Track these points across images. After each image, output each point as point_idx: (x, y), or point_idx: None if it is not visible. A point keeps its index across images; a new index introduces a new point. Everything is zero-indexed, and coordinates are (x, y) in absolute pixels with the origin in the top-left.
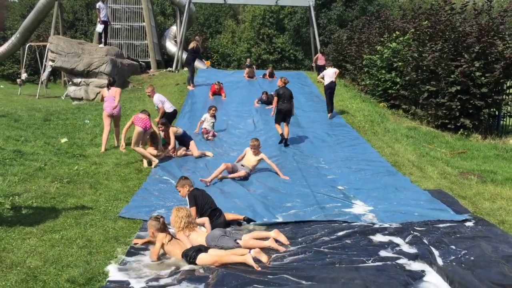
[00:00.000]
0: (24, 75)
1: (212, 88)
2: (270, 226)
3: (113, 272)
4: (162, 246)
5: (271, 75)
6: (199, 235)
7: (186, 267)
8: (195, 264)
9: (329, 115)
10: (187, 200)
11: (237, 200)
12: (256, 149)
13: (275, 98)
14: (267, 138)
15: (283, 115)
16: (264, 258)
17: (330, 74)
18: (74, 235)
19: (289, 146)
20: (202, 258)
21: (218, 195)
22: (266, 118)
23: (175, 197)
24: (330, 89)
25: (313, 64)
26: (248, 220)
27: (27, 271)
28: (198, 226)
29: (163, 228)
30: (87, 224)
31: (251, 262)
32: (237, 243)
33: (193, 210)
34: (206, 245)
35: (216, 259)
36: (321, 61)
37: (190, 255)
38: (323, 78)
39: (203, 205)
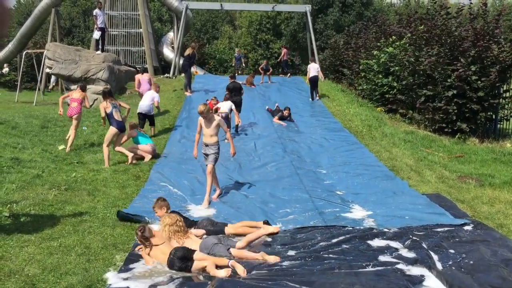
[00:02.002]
0: (5, 69)
1: (209, 105)
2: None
3: (112, 279)
4: (149, 255)
5: (267, 71)
6: (193, 243)
7: (180, 273)
8: (190, 272)
9: (311, 100)
10: None
11: (236, 206)
12: (207, 114)
13: (227, 92)
14: (265, 144)
15: (235, 106)
16: (240, 270)
17: (314, 68)
18: (73, 242)
19: (287, 151)
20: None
21: (216, 203)
22: (264, 123)
23: (173, 203)
24: (313, 81)
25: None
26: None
27: (25, 279)
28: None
29: (142, 240)
30: (85, 231)
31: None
32: (230, 252)
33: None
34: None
35: (203, 265)
36: (285, 56)
37: (180, 266)
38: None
39: None
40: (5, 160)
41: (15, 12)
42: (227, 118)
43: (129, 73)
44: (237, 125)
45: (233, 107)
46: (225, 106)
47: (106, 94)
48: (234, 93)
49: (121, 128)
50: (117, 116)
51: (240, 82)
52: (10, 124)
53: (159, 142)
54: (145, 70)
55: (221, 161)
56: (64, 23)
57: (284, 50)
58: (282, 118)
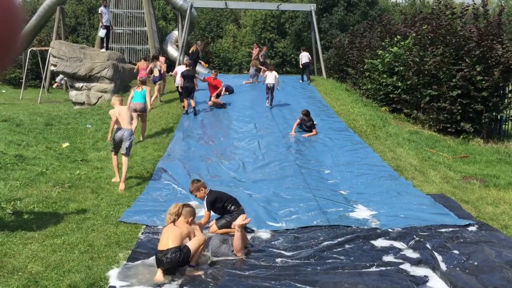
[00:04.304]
0: (59, 78)
1: (209, 79)
2: (273, 231)
3: (115, 278)
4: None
5: (264, 63)
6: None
7: (188, 273)
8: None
9: (301, 81)
10: (205, 205)
11: None
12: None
13: (181, 79)
14: (269, 143)
15: (187, 92)
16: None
17: (305, 56)
18: (76, 240)
19: (291, 150)
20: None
21: None
22: (268, 122)
23: (177, 201)
24: (305, 67)
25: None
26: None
27: (28, 276)
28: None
29: (175, 211)
30: (88, 229)
31: None
32: (235, 254)
33: (206, 215)
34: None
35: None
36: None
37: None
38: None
39: (224, 204)
40: (9, 157)
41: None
42: (272, 89)
43: (133, 71)
44: (194, 108)
45: (277, 76)
46: (271, 77)
47: (154, 58)
48: (187, 80)
49: (155, 81)
50: (155, 72)
51: (253, 70)
52: (15, 122)
53: (163, 141)
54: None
55: (224, 159)
56: (69, 21)
57: (256, 49)
58: (304, 126)
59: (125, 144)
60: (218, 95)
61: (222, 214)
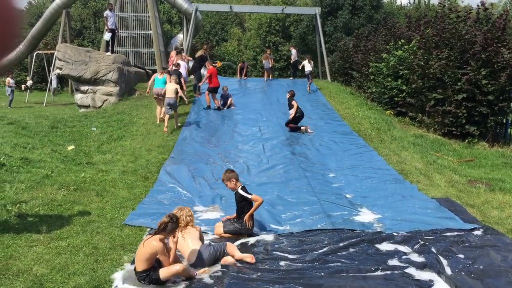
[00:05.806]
0: (29, 82)
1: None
2: (277, 235)
3: (119, 280)
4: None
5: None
6: (194, 244)
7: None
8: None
9: (291, 78)
10: (242, 193)
11: None
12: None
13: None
14: (274, 146)
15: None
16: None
17: (294, 54)
18: (81, 242)
19: (295, 153)
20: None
21: (224, 204)
22: (272, 126)
23: (182, 204)
24: (295, 65)
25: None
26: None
27: (33, 278)
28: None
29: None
30: (93, 232)
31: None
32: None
33: (256, 197)
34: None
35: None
36: (242, 64)
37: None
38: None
39: (248, 204)
40: (15, 160)
41: (26, 13)
42: (310, 74)
43: (139, 74)
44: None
45: (312, 64)
46: (308, 66)
47: (179, 52)
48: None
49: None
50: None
51: (268, 64)
52: (20, 124)
53: (167, 144)
54: (180, 51)
55: (229, 163)
56: (74, 25)
57: (242, 64)
58: (294, 121)
59: (170, 107)
60: (213, 89)
61: (238, 212)
